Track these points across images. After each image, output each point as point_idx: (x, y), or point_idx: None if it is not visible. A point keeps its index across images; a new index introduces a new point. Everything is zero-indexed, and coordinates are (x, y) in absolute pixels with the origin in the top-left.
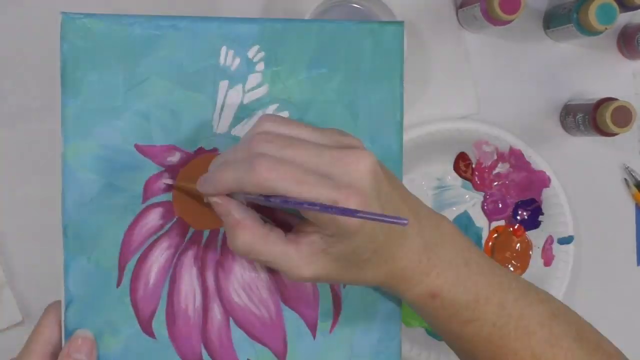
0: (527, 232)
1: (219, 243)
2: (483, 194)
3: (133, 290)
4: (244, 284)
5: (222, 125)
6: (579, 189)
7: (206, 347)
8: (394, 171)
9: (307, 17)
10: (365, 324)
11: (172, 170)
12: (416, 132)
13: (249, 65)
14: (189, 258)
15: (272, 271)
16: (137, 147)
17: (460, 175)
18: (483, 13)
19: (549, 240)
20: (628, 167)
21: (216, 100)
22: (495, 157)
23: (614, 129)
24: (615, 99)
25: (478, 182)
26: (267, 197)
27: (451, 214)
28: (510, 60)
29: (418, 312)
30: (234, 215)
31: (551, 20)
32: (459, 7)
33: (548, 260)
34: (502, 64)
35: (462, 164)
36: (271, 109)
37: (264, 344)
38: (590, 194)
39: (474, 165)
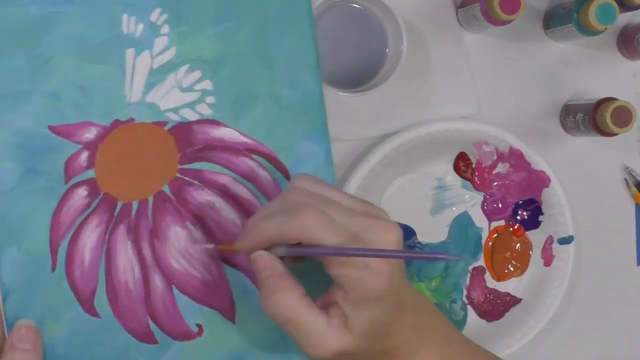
0: (527, 232)
1: (150, 212)
2: (483, 194)
3: (69, 273)
4: (181, 250)
5: (134, 94)
6: (579, 189)
7: (153, 319)
8: (318, 117)
9: None
10: (310, 271)
11: (90, 146)
12: (416, 132)
13: (153, 29)
14: (121, 232)
15: (207, 232)
16: (50, 128)
17: (460, 175)
18: (483, 13)
19: (549, 240)
20: (628, 167)
21: (125, 70)
22: (495, 157)
23: (614, 129)
24: (615, 99)
25: (478, 182)
26: (305, 246)
27: (451, 214)
28: (510, 60)
29: None
30: (276, 269)
31: (551, 20)
32: (459, 7)
33: (548, 260)
34: (502, 64)
35: (462, 164)
36: (182, 70)
37: (211, 307)
38: (590, 194)
39: (474, 165)
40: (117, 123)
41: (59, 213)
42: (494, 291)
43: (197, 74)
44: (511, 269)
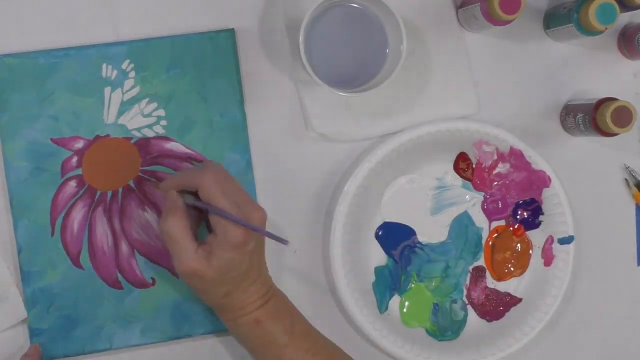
0: (527, 232)
1: (120, 198)
2: (483, 194)
3: (63, 238)
4: (141, 225)
5: (110, 118)
6: (579, 189)
7: (120, 272)
8: (241, 136)
9: (307, 17)
10: None
11: (79, 153)
12: (416, 132)
13: (124, 74)
14: (99, 212)
15: (159, 213)
16: (52, 140)
17: (460, 175)
18: (483, 13)
19: (549, 240)
20: (628, 167)
21: (104, 101)
22: (496, 157)
23: (614, 129)
24: (616, 99)
25: (478, 182)
26: (199, 201)
27: (451, 214)
28: (510, 60)
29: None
30: (177, 203)
31: (551, 20)
32: (459, 7)
33: (548, 260)
34: (502, 64)
35: (462, 164)
36: (144, 102)
37: (162, 266)
38: (590, 194)
39: (474, 165)
40: (98, 137)
41: (56, 197)
42: (494, 291)
43: (154, 104)
44: (511, 268)
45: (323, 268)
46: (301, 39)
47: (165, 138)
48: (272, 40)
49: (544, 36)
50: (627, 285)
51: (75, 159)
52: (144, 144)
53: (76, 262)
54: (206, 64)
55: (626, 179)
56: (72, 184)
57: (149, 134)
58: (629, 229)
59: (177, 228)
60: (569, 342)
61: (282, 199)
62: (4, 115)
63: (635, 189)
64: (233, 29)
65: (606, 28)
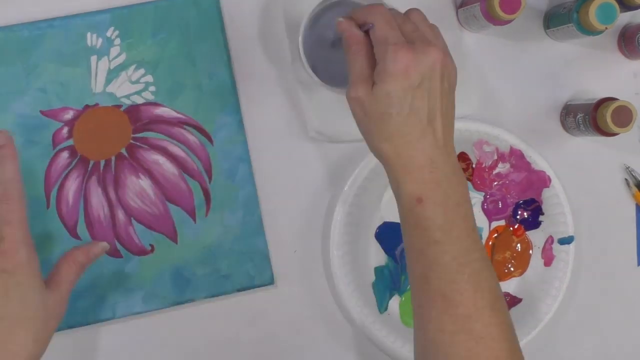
0: (527, 232)
1: (113, 167)
2: (483, 193)
3: (59, 210)
4: (136, 192)
5: (98, 87)
6: (579, 189)
7: (118, 240)
8: (231, 97)
9: (306, 17)
10: (231, 206)
11: (69, 123)
12: None
13: (109, 42)
14: (93, 182)
15: (154, 180)
16: (42, 112)
17: None
18: (483, 13)
19: (549, 240)
20: (628, 167)
21: (90, 71)
22: (496, 157)
23: (614, 129)
24: (616, 99)
25: (478, 182)
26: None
27: None
28: (510, 60)
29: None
30: (359, 38)
31: (551, 20)
32: (459, 7)
33: (548, 260)
34: (502, 64)
35: (462, 164)
36: (131, 69)
37: (160, 232)
38: (590, 194)
39: (474, 165)
40: (87, 107)
41: (49, 169)
42: None
43: (141, 71)
44: (511, 269)
45: (323, 268)
46: (301, 39)
47: (155, 104)
48: (271, 40)
49: (544, 36)
50: (627, 285)
51: (65, 130)
52: (133, 111)
53: (73, 233)
54: (191, 27)
55: (626, 179)
56: (65, 155)
57: (138, 100)
58: (629, 229)
59: (360, 56)
60: (569, 342)
61: (282, 199)
62: None
63: (635, 189)
64: None
65: (606, 28)
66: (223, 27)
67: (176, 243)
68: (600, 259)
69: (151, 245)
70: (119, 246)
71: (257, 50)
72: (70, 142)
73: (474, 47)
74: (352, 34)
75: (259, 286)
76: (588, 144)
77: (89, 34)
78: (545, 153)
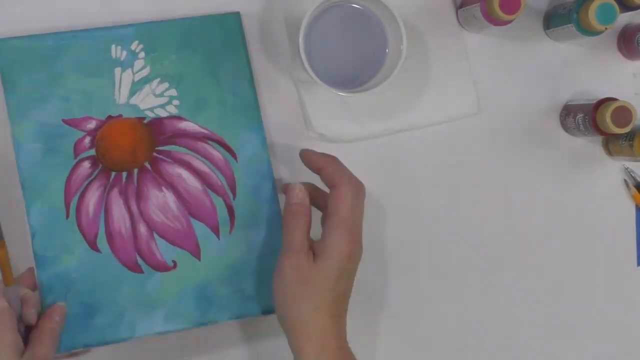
0: None
1: (135, 180)
2: None
3: (78, 221)
4: (159, 206)
5: (122, 98)
6: (579, 189)
7: (139, 255)
8: (254, 114)
9: (306, 17)
10: (255, 224)
11: (91, 133)
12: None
13: (133, 55)
14: (115, 193)
15: (177, 195)
16: (64, 121)
17: None
18: (483, 13)
19: None
20: (628, 167)
21: (115, 82)
22: None
23: (614, 129)
24: (615, 99)
25: None
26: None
27: None
28: (510, 60)
29: None
30: (306, 206)
31: (551, 20)
32: (459, 7)
33: None
34: (502, 64)
35: None
36: (155, 82)
37: (182, 248)
38: (590, 194)
39: None
40: (110, 117)
41: (70, 179)
42: None
43: (165, 85)
44: None
45: None
46: (301, 39)
47: (179, 118)
48: (272, 40)
49: (544, 36)
50: (627, 285)
51: (88, 140)
52: (157, 124)
53: (93, 245)
54: (215, 45)
55: (625, 180)
56: (86, 164)
57: (162, 113)
58: (629, 230)
59: (304, 225)
60: (569, 342)
61: (282, 199)
62: (13, 98)
63: (634, 190)
64: (239, 12)
65: (606, 28)
66: (246, 45)
67: (199, 260)
68: (600, 259)
69: (173, 261)
70: (140, 261)
71: (257, 50)
72: (92, 152)
73: (474, 48)
74: (301, 205)
75: None
76: (588, 144)
77: (113, 46)
78: (545, 153)
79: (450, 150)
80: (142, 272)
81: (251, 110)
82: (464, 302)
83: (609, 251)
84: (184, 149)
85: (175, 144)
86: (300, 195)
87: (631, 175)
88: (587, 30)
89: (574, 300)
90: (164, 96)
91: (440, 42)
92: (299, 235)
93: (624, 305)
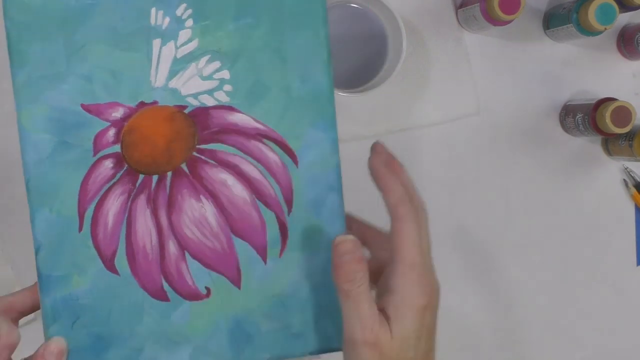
0: None
1: (168, 185)
2: None
3: (94, 234)
4: (194, 220)
5: (159, 80)
6: (579, 189)
7: (166, 279)
8: (327, 108)
9: None
10: (312, 247)
11: (117, 124)
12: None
13: (179, 22)
14: (141, 201)
15: (219, 206)
16: (83, 106)
17: None
18: (483, 13)
19: None
20: (627, 167)
21: (151, 58)
22: None
23: (614, 129)
24: (615, 99)
25: None
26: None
27: None
28: (510, 60)
29: None
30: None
31: (551, 20)
32: (459, 7)
33: None
34: (502, 64)
35: None
36: (203, 60)
37: (219, 272)
38: (590, 194)
39: None
40: (142, 104)
41: (87, 181)
42: None
43: (216, 64)
44: None
45: None
46: None
47: (230, 108)
48: None
49: (544, 36)
50: (627, 285)
51: (112, 132)
52: (201, 115)
53: (110, 264)
54: (286, 12)
55: (625, 180)
56: (108, 164)
57: (209, 102)
58: (629, 230)
59: (362, 285)
60: (569, 342)
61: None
62: (22, 73)
63: (634, 190)
64: None
65: (606, 28)
66: (326, 14)
67: (239, 288)
68: (600, 259)
69: (207, 289)
70: (166, 286)
71: None
72: (117, 148)
73: (474, 47)
74: (355, 259)
75: (337, 349)
76: (588, 144)
77: (153, 10)
78: (545, 153)
79: (450, 150)
80: (167, 300)
81: (323, 101)
82: (464, 301)
83: (609, 251)
84: (232, 148)
85: (222, 141)
86: (350, 247)
87: (631, 175)
88: (587, 30)
89: (574, 300)
90: (214, 79)
91: (440, 42)
92: (365, 302)
93: (624, 305)
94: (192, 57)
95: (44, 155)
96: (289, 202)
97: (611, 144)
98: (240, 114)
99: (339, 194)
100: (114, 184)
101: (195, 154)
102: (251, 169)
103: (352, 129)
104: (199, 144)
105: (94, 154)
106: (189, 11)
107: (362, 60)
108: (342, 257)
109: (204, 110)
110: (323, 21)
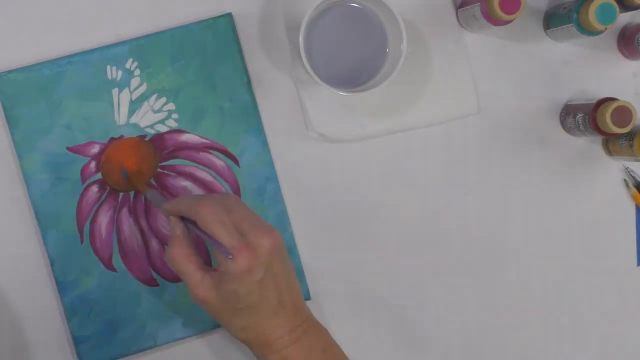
0: None
1: (143, 198)
2: None
3: (93, 244)
4: (168, 220)
5: (122, 118)
6: (579, 189)
7: (154, 269)
8: (253, 118)
9: (306, 17)
10: None
11: (96, 157)
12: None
13: (129, 73)
14: (124, 213)
15: None
16: (68, 148)
17: None
18: (483, 13)
19: None
20: (628, 167)
21: (113, 103)
22: None
23: (614, 129)
24: (615, 99)
25: None
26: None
27: None
28: (510, 60)
29: None
30: (175, 230)
31: (551, 20)
32: (459, 7)
33: None
34: (502, 64)
35: None
36: (153, 98)
37: None
38: (590, 194)
39: None
40: (112, 139)
41: (81, 204)
42: None
43: (163, 99)
44: None
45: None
46: (301, 39)
47: (179, 131)
48: (271, 40)
49: (544, 36)
50: (627, 285)
51: (93, 164)
52: (158, 140)
53: (109, 265)
54: (208, 51)
55: (625, 180)
56: (94, 189)
57: (162, 129)
58: (629, 229)
59: (179, 256)
60: (569, 342)
61: (287, 198)
62: (17, 131)
63: (634, 190)
64: (230, 13)
65: (606, 28)
66: (240, 48)
67: (211, 267)
68: (600, 259)
69: None
70: (154, 275)
71: (256, 50)
72: (99, 175)
73: (474, 47)
74: (173, 227)
75: None
76: (588, 144)
77: (108, 67)
78: (545, 153)
79: (450, 150)
80: (157, 285)
81: (249, 113)
82: (464, 302)
83: (609, 251)
84: (186, 161)
85: (177, 157)
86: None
87: (631, 175)
88: (587, 30)
89: (574, 300)
90: (163, 111)
91: (440, 42)
92: (189, 274)
93: (624, 305)
94: (144, 97)
95: (45, 190)
96: (238, 194)
97: (612, 143)
98: (188, 134)
99: (275, 182)
100: (102, 203)
101: (159, 170)
102: (204, 175)
103: (352, 129)
104: (161, 162)
105: (83, 183)
106: (136, 63)
107: (362, 60)
108: (170, 232)
109: (160, 136)
110: (238, 52)
